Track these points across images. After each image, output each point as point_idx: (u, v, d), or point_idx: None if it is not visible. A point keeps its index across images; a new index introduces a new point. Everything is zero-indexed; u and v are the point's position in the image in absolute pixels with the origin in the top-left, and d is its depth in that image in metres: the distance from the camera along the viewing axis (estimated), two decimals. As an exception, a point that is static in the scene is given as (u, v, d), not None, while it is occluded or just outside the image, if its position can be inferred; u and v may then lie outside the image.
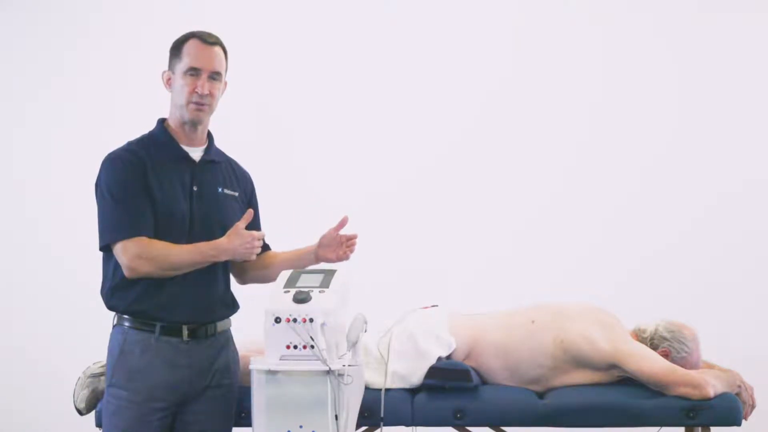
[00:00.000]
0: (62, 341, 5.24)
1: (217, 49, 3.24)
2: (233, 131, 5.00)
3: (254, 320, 3.21)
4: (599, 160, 5.26)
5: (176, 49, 3.24)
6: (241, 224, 3.17)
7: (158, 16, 5.39)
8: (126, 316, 3.17)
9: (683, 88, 5.25)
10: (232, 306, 3.33)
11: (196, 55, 3.20)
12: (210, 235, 3.19)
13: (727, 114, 5.22)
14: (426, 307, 3.69)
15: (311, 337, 3.04)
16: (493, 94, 5.32)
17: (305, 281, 3.18)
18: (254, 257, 3.24)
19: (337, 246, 3.42)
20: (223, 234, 3.20)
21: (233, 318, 3.35)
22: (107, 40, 5.44)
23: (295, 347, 3.07)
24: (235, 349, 3.35)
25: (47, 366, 5.23)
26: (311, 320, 3.06)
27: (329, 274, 3.22)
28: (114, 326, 3.21)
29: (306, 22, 5.39)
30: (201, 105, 3.20)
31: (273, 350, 3.08)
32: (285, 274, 3.24)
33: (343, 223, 3.40)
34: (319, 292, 3.13)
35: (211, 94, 3.20)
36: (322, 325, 3.06)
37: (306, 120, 5.37)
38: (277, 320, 3.07)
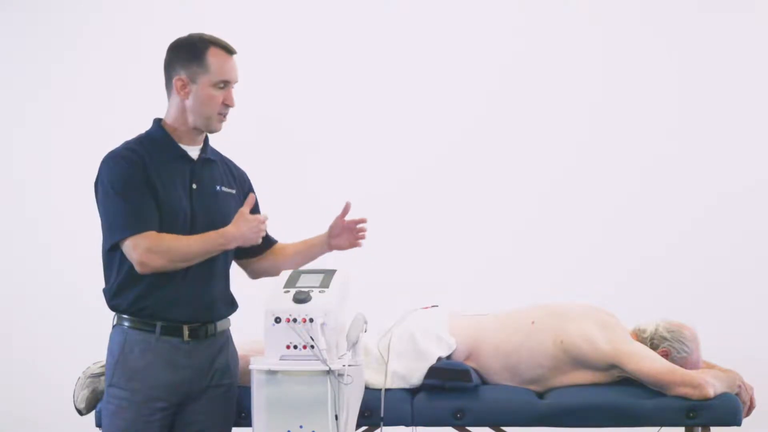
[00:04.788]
0: (62, 341, 5.24)
1: (235, 57, 3.27)
2: (234, 131, 5.02)
3: (254, 320, 3.21)
4: (599, 160, 5.26)
5: (196, 57, 3.19)
6: (246, 209, 3.19)
7: (158, 16, 5.39)
8: (126, 316, 3.17)
9: (683, 88, 5.25)
10: (232, 305, 3.34)
11: (227, 69, 3.22)
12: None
13: (727, 114, 5.22)
14: (426, 307, 3.69)
15: (311, 337, 3.05)
16: (493, 94, 5.32)
17: (305, 281, 3.18)
18: (260, 240, 3.23)
19: (348, 233, 3.46)
20: None
21: (233, 318, 3.35)
22: (107, 40, 5.44)
23: (295, 347, 3.07)
24: (235, 349, 3.35)
25: (47, 366, 5.23)
26: (311, 320, 3.06)
27: (329, 274, 3.22)
28: (114, 326, 3.21)
29: (306, 22, 5.39)
30: (225, 116, 3.24)
31: (273, 350, 3.09)
32: (285, 274, 3.25)
33: (346, 210, 3.44)
34: (319, 292, 3.13)
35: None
36: (322, 325, 3.06)
37: (306, 120, 5.37)
38: (277, 320, 3.08)
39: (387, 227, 5.16)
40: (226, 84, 3.21)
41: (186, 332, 3.18)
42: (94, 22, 5.46)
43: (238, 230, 3.16)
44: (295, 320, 3.07)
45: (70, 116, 5.42)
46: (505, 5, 5.35)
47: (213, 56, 3.21)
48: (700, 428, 3.40)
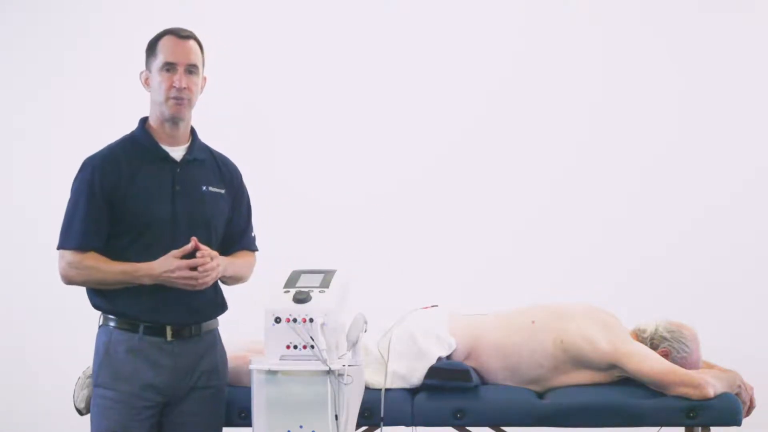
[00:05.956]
0: (62, 341, 5.23)
1: (192, 42, 3.23)
2: (236, 131, 5.03)
3: (254, 320, 3.21)
4: (599, 160, 5.26)
5: (151, 47, 3.25)
6: (176, 252, 3.10)
7: (158, 16, 5.38)
8: (111, 316, 3.18)
9: (683, 88, 5.24)
10: (220, 307, 3.30)
11: (170, 50, 3.20)
12: (193, 234, 3.14)
13: (727, 114, 5.22)
14: (426, 307, 3.69)
15: (311, 337, 3.05)
16: (493, 94, 5.32)
17: (305, 281, 3.19)
18: (199, 288, 3.13)
19: None
20: (206, 232, 3.19)
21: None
22: (107, 40, 5.43)
23: (295, 347, 3.08)
24: (223, 349, 3.32)
25: (47, 366, 5.23)
26: (311, 320, 3.06)
27: (329, 274, 3.22)
28: (100, 326, 3.22)
29: (306, 21, 5.38)
30: (180, 100, 3.18)
31: (273, 350, 3.09)
32: (285, 274, 3.24)
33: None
34: (319, 292, 3.14)
35: (188, 88, 3.18)
36: (322, 325, 3.06)
37: (306, 120, 5.36)
38: (277, 320, 3.08)
39: (387, 227, 5.19)
40: (171, 66, 3.19)
41: (169, 332, 3.17)
42: (94, 22, 5.45)
43: (151, 269, 3.10)
44: (295, 320, 3.07)
45: (70, 116, 5.42)
46: (505, 5, 5.35)
47: (162, 43, 3.23)
48: (700, 428, 3.41)
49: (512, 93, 5.31)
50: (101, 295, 3.18)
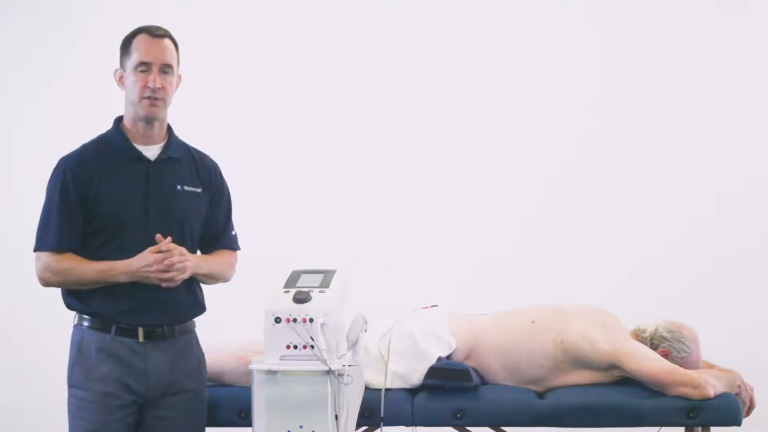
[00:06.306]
0: (62, 341, 5.22)
1: (167, 41, 3.21)
2: (237, 132, 5.02)
3: (254, 320, 3.21)
4: (599, 160, 5.26)
5: (125, 45, 3.21)
6: (152, 248, 3.08)
7: (158, 16, 5.37)
8: (85, 316, 3.17)
9: (683, 88, 5.25)
10: (196, 307, 3.27)
11: (145, 50, 3.17)
12: (166, 234, 3.11)
13: (727, 114, 5.22)
14: (426, 307, 3.69)
15: (311, 337, 3.05)
16: (494, 93, 5.32)
17: (305, 281, 3.19)
18: (173, 284, 3.11)
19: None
20: (180, 232, 3.17)
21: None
22: (107, 40, 5.41)
23: (295, 347, 3.08)
24: (201, 351, 3.30)
25: (47, 366, 5.22)
26: (311, 320, 3.06)
27: (329, 274, 3.23)
28: (74, 326, 3.22)
29: (306, 21, 5.38)
30: (154, 100, 3.14)
31: (273, 350, 3.09)
32: (285, 274, 3.24)
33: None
34: (319, 292, 3.14)
35: (163, 88, 3.15)
36: (322, 325, 3.06)
37: (306, 120, 5.36)
38: (277, 320, 3.08)
39: (386, 227, 5.19)
40: (147, 66, 3.15)
41: (141, 334, 3.15)
42: (94, 22, 5.45)
43: (128, 266, 3.09)
44: (295, 320, 3.07)
45: (70, 116, 5.41)
46: (505, 5, 5.35)
47: (137, 41, 3.20)
48: (700, 428, 3.41)
49: (512, 93, 5.31)
50: (75, 295, 3.17)
